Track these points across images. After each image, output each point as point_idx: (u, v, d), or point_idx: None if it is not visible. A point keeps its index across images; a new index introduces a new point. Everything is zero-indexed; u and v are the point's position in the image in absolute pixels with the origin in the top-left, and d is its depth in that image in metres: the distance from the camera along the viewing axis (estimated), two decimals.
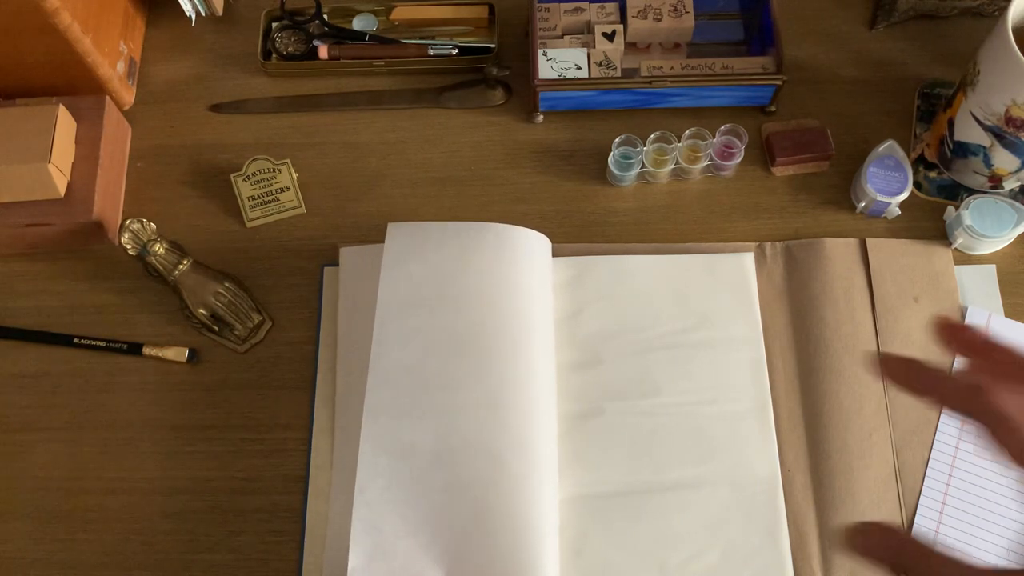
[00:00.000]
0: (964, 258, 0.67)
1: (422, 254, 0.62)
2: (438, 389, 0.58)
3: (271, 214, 0.70)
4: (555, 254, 0.67)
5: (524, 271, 0.62)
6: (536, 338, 0.61)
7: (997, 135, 0.62)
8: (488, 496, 0.56)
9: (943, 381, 0.34)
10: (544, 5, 0.72)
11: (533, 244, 0.64)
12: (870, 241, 0.67)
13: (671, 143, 0.69)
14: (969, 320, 0.64)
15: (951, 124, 0.66)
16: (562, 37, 0.71)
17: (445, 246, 0.62)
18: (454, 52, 0.74)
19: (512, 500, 0.56)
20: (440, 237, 0.63)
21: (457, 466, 0.56)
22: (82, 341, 0.66)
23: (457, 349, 0.59)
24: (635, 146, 0.69)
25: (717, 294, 0.65)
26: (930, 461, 0.61)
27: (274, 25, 0.76)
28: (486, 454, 0.56)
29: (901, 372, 0.35)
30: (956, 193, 0.69)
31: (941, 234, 0.68)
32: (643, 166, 0.69)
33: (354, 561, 0.54)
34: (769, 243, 0.68)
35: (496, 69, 0.72)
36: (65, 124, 0.66)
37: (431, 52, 0.74)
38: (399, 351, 0.59)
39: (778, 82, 0.69)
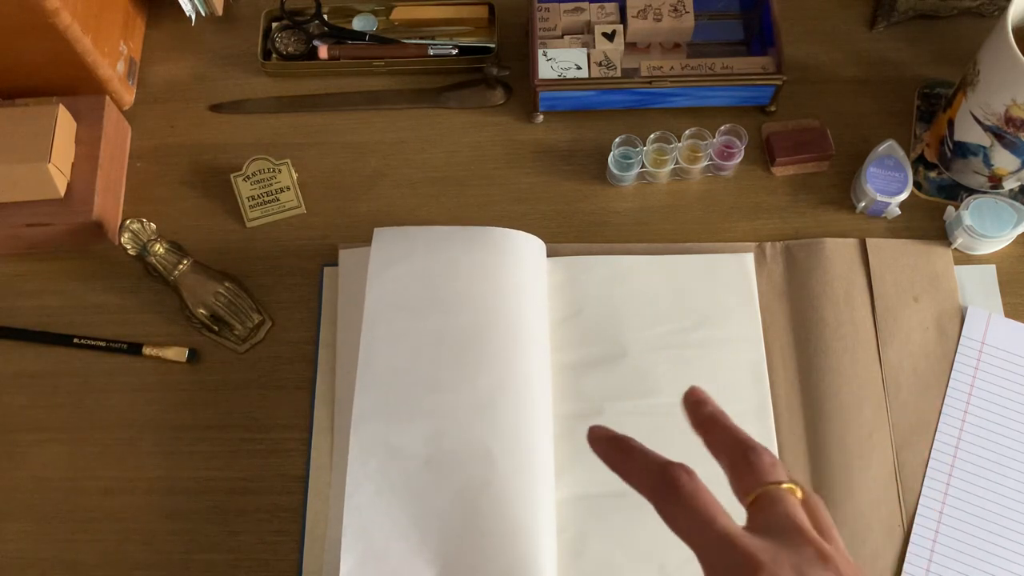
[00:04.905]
0: (964, 258, 0.67)
1: (409, 258, 0.62)
2: (427, 392, 0.58)
3: (271, 214, 0.70)
4: (555, 254, 0.67)
5: (514, 273, 0.62)
6: (528, 339, 0.61)
7: (997, 135, 0.62)
8: (480, 497, 0.56)
9: (636, 460, 0.38)
10: (544, 5, 0.72)
11: (524, 246, 0.64)
12: (870, 241, 0.67)
13: (671, 143, 0.69)
14: (969, 320, 0.64)
15: (951, 124, 0.66)
16: (562, 37, 0.71)
17: (432, 250, 0.62)
18: (454, 52, 0.74)
19: (505, 500, 0.56)
20: (427, 241, 0.63)
21: (448, 468, 0.56)
22: (82, 341, 0.66)
23: (446, 352, 0.59)
24: (635, 146, 0.69)
25: (717, 294, 0.65)
26: (930, 461, 0.61)
27: (274, 25, 0.76)
28: (477, 455, 0.56)
29: (602, 448, 0.39)
30: (956, 193, 0.69)
31: (941, 234, 0.68)
32: (643, 166, 0.69)
33: (346, 565, 0.55)
34: (769, 243, 0.68)
35: (496, 69, 0.72)
36: (65, 124, 0.66)
37: (431, 52, 0.74)
38: (387, 355, 0.59)
39: (778, 82, 0.69)
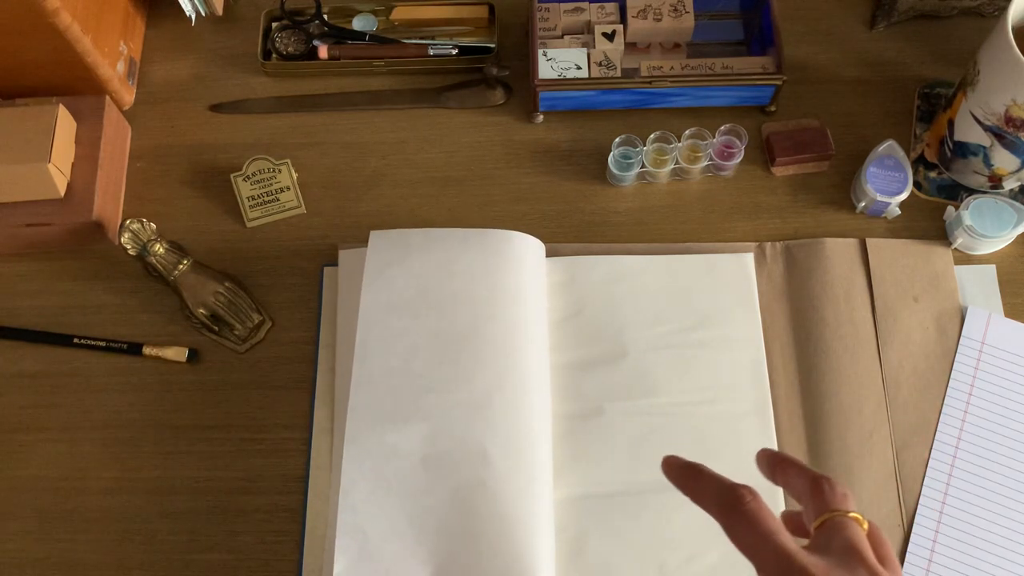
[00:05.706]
0: (964, 258, 0.67)
1: (405, 260, 0.62)
2: (423, 392, 0.58)
3: (271, 214, 0.70)
4: (555, 254, 0.67)
5: (510, 274, 0.62)
6: (525, 339, 0.61)
7: (997, 135, 0.62)
8: (475, 497, 0.56)
9: (706, 483, 0.40)
10: (544, 5, 0.72)
11: (521, 247, 0.64)
12: (870, 241, 0.67)
13: (671, 143, 0.69)
14: (969, 320, 0.64)
15: (951, 124, 0.66)
16: (562, 37, 0.71)
17: (428, 252, 0.62)
18: (454, 52, 0.74)
19: (500, 500, 0.56)
20: (423, 243, 0.63)
21: (443, 467, 0.56)
22: (82, 341, 0.66)
23: (442, 352, 0.59)
24: (635, 146, 0.69)
25: (717, 294, 0.65)
26: (930, 461, 0.61)
27: (274, 25, 0.76)
28: (473, 455, 0.56)
29: (675, 474, 0.41)
30: (956, 193, 0.69)
31: (941, 234, 0.68)
32: (643, 166, 0.69)
33: (340, 565, 0.55)
34: (769, 243, 0.68)
35: (496, 69, 0.72)
36: (65, 124, 0.66)
37: (431, 52, 0.74)
38: (382, 355, 0.59)
39: (778, 82, 0.69)
